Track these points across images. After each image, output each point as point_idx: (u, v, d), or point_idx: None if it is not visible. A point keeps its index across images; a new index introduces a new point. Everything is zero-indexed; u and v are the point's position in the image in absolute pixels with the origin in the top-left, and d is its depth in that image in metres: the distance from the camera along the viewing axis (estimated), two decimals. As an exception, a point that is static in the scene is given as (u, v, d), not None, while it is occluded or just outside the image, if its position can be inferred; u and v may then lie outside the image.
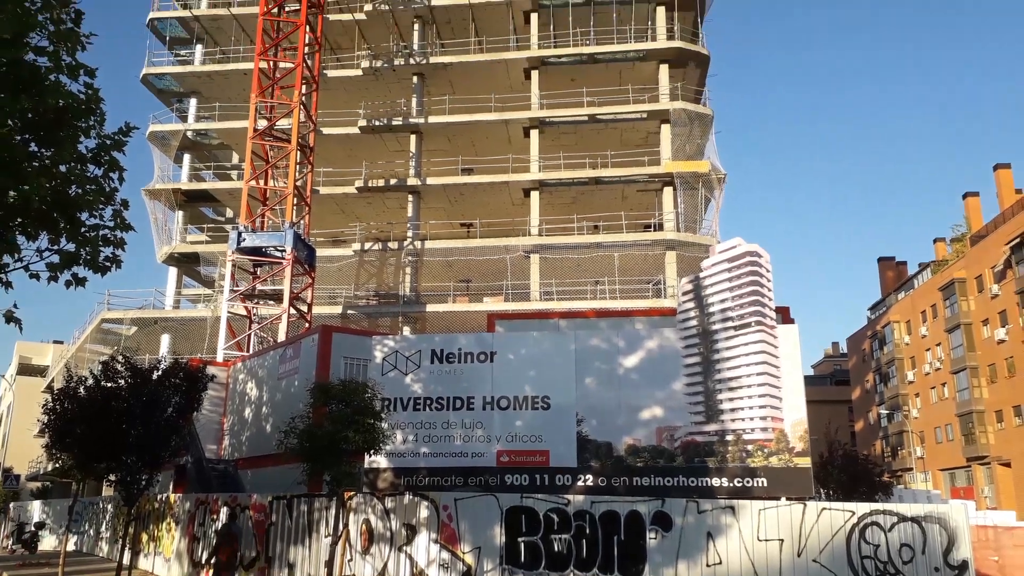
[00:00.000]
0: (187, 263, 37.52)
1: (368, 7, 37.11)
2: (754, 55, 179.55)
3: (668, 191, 33.63)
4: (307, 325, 28.44)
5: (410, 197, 35.75)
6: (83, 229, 9.96)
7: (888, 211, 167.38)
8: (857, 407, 64.71)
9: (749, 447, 16.83)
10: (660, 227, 33.74)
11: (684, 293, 19.31)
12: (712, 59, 35.51)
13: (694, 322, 18.76)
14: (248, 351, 27.16)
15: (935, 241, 59.29)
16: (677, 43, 34.75)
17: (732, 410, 17.51)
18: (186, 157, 38.93)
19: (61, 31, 10.97)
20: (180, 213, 37.86)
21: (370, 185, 35.53)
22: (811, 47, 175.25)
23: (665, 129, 34.11)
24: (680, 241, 32.51)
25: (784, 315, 18.87)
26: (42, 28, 10.87)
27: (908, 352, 56.03)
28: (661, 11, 35.56)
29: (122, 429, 14.56)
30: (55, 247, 9.71)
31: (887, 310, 60.50)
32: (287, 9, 31.35)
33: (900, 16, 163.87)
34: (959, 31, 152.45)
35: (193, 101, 38.92)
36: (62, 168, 10.09)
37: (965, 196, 53.90)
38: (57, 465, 26.50)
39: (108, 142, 10.45)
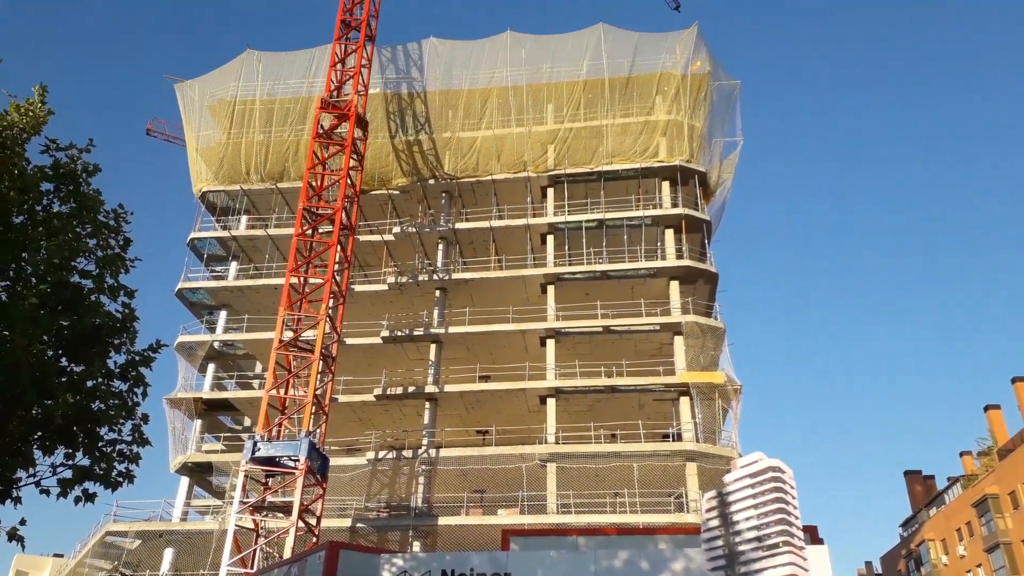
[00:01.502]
0: (200, 472, 37.02)
1: (396, 229, 39.74)
2: (766, 267, 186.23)
3: (685, 401, 33.53)
4: (315, 540, 27.36)
5: (427, 404, 35.86)
6: (100, 444, 10.10)
7: (908, 422, 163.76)
8: (904, 637, 59.09)
9: None
10: (679, 437, 33.24)
11: (708, 510, 18.54)
12: (722, 274, 37.05)
13: (720, 543, 17.81)
14: (252, 567, 25.95)
15: (962, 454, 57.58)
16: (686, 262, 36.44)
17: (766, 643, 16.16)
18: (210, 366, 39.81)
19: (108, 256, 11.81)
20: (199, 422, 38.00)
21: (388, 393, 35.83)
22: (822, 255, 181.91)
23: (678, 341, 34.76)
24: (700, 452, 31.83)
25: (812, 535, 17.93)
26: (90, 253, 11.74)
27: (948, 573, 52.17)
28: (669, 233, 37.70)
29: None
30: (70, 462, 9.78)
31: (920, 527, 57.30)
32: (320, 231, 33.64)
33: (905, 228, 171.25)
34: (967, 242, 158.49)
35: (223, 313, 40.54)
36: (88, 383, 10.44)
37: (987, 408, 53.15)
38: None
39: (137, 358, 10.88)
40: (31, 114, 11.86)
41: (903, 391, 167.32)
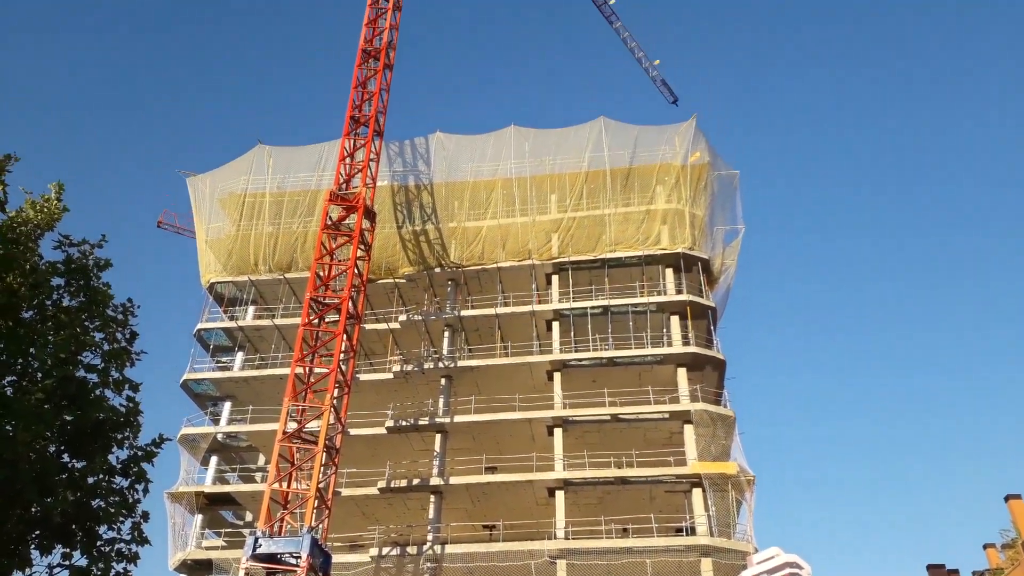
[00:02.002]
0: (199, 570, 35.83)
1: (403, 317, 39.88)
2: (774, 352, 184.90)
3: (697, 492, 32.69)
4: (315, 643, 26.21)
5: (432, 497, 35.02)
6: (99, 543, 9.86)
7: (928, 513, 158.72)
8: None
9: None
10: (692, 531, 32.24)
11: (723, 608, 17.88)
12: (730, 361, 36.79)
13: (737, 643, 17.07)
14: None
15: (985, 547, 55.51)
16: (692, 348, 36.27)
17: None
18: (213, 459, 39.19)
19: (114, 350, 11.91)
20: (199, 517, 37.12)
21: (392, 486, 35.07)
22: (832, 339, 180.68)
23: (688, 429, 34.21)
24: (715, 547, 30.79)
25: (835, 635, 17.26)
26: (97, 347, 11.82)
27: (985, 676, 49.30)
28: (675, 320, 37.66)
29: None
30: (67, 562, 9.52)
31: (950, 625, 54.54)
32: (327, 320, 33.76)
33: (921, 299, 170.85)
34: (984, 327, 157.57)
35: (227, 404, 40.23)
36: (89, 480, 10.29)
37: (1007, 498, 51.54)
38: None
39: (139, 453, 10.76)
40: (46, 211, 12.20)
41: (922, 481, 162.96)
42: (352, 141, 36.87)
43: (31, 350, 10.71)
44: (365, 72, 38.05)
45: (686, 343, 36.91)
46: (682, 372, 36.21)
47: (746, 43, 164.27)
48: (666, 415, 34.71)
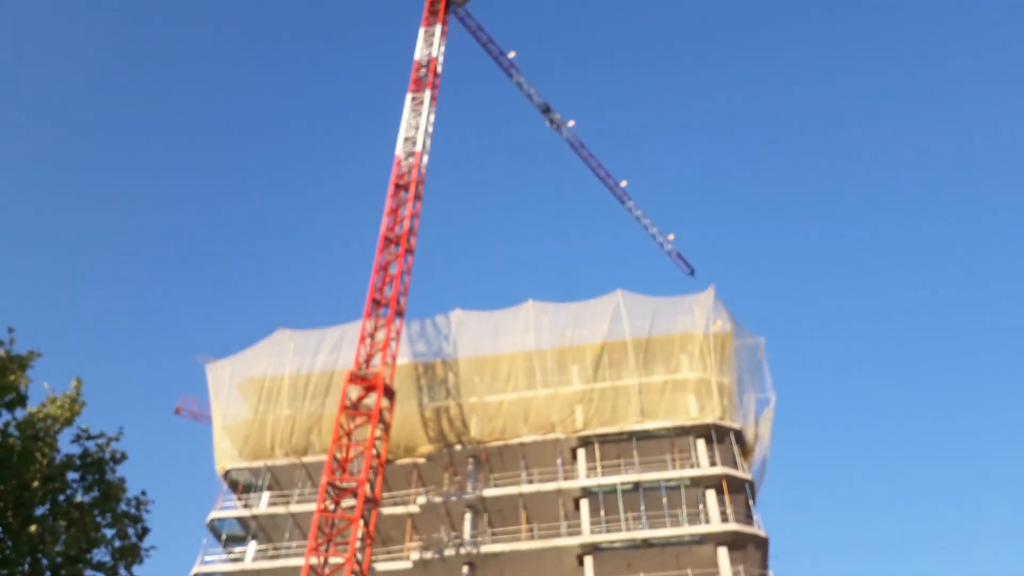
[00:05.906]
0: None
1: (422, 499, 38.13)
2: (819, 526, 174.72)
3: None
4: None
5: None
6: None
7: None
8: None
9: None
10: None
11: None
12: (772, 538, 34.44)
13: None
14: None
15: None
16: (732, 526, 33.97)
17: None
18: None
19: (125, 547, 11.37)
20: None
21: None
22: (873, 508, 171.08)
23: (736, 615, 31.38)
24: None
25: None
26: (108, 544, 11.32)
27: None
28: (711, 495, 35.63)
29: None
30: None
31: None
32: (343, 506, 32.28)
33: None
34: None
35: (237, 599, 37.64)
36: None
37: None
38: None
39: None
40: (65, 407, 12.17)
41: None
42: (373, 322, 37.11)
43: (40, 547, 10.32)
44: (386, 257, 38.93)
45: (725, 520, 34.75)
46: (723, 551, 33.81)
47: (763, 208, 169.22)
48: (709, 602, 31.99)
